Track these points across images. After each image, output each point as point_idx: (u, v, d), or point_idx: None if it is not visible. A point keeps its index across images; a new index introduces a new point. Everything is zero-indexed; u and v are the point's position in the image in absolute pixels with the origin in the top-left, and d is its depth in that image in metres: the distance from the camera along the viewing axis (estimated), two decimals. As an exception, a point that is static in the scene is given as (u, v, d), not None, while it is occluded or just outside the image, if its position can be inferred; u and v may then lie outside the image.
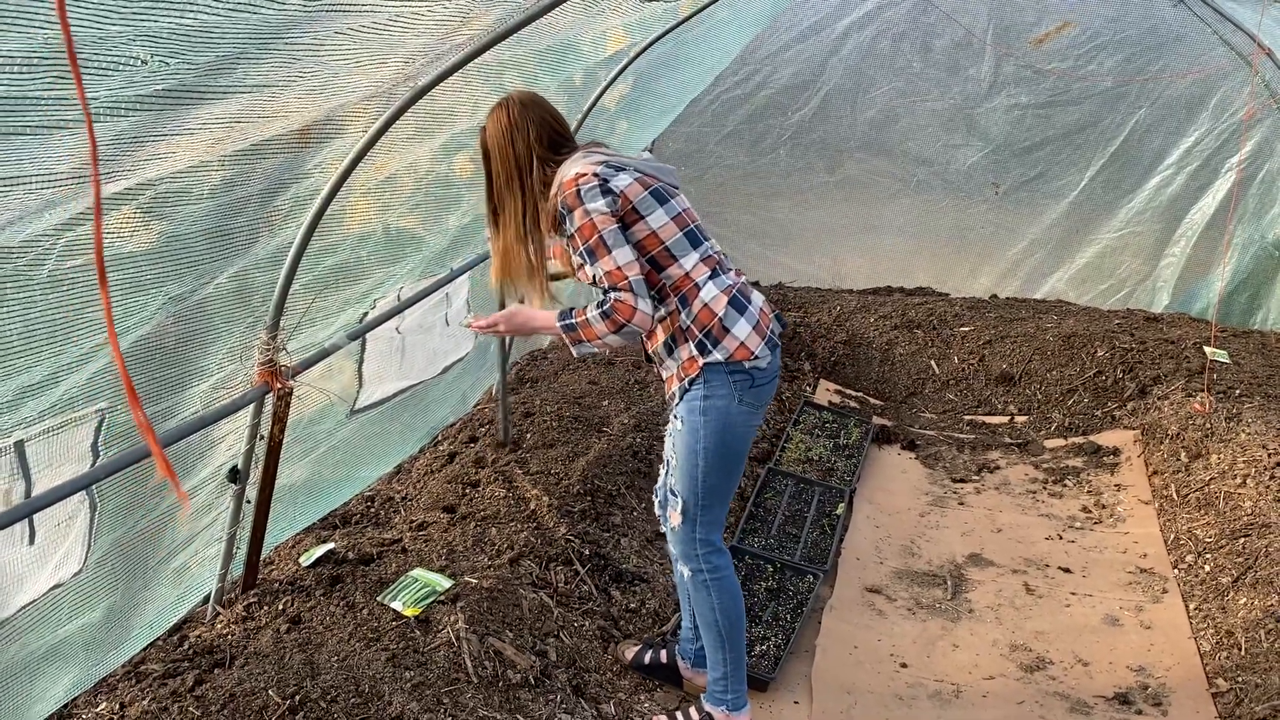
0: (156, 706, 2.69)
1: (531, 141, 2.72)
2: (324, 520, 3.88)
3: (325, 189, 2.70)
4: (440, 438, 4.75)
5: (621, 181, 2.66)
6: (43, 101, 1.38)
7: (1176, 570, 4.06)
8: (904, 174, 6.87)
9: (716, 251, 2.82)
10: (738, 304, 2.73)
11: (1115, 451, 5.07)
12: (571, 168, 2.68)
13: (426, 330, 4.03)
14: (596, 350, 2.77)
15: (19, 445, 2.26)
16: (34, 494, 2.30)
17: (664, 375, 2.85)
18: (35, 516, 2.37)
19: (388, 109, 2.63)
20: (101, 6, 1.25)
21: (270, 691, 2.70)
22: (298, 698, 2.68)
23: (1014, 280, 6.94)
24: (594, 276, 2.66)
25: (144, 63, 1.40)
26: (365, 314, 3.47)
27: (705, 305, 2.69)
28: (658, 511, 3.18)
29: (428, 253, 3.65)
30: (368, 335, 3.50)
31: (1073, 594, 4.00)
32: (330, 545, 3.53)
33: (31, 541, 2.42)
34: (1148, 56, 6.22)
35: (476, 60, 2.69)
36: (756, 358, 2.72)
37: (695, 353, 2.70)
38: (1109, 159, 6.47)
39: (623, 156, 2.77)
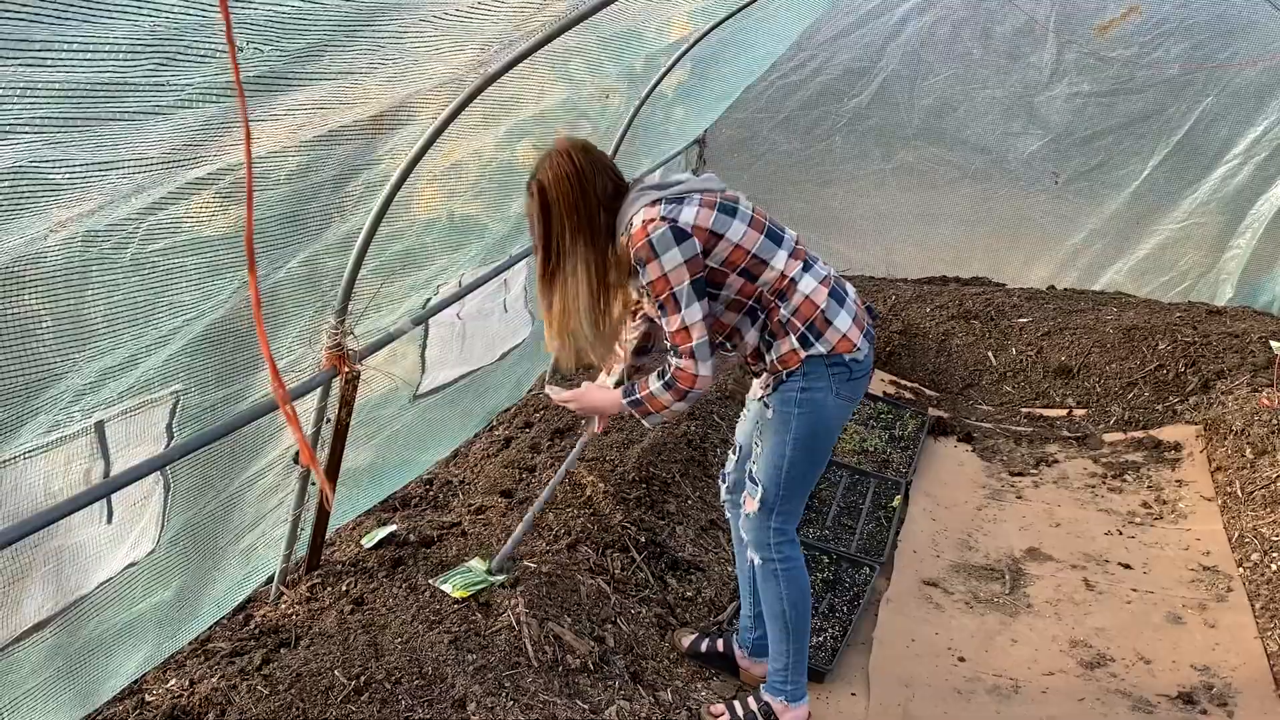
0: (226, 684, 2.73)
1: (599, 192, 2.60)
2: (384, 503, 3.92)
3: (395, 175, 2.71)
4: (495, 423, 4.77)
5: (688, 215, 2.56)
6: (141, 87, 1.40)
7: (1241, 569, 3.99)
8: (961, 162, 6.78)
9: (799, 242, 2.76)
10: (837, 295, 2.70)
11: (1177, 447, 4.99)
12: (635, 213, 2.58)
13: (485, 316, 4.05)
14: (666, 419, 2.75)
15: (99, 426, 2.30)
16: (112, 473, 2.35)
17: (759, 369, 2.79)
18: (113, 496, 2.41)
19: (457, 96, 2.63)
20: (209, -7, 1.27)
21: (336, 672, 2.74)
22: (363, 679, 2.72)
23: (1072, 271, 6.83)
24: (665, 335, 2.63)
25: (240, 50, 1.41)
26: (428, 300, 3.49)
27: (806, 298, 2.64)
28: (724, 498, 3.18)
29: (489, 239, 3.67)
30: (430, 321, 3.52)
31: (1134, 590, 3.95)
32: (392, 528, 3.57)
33: (109, 520, 2.47)
34: (1216, 44, 6.07)
35: (544, 47, 2.68)
36: (857, 349, 2.69)
37: (797, 345, 2.66)
38: (1173, 148, 6.34)
39: (671, 184, 2.65)
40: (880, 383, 5.78)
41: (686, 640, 3.38)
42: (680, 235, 2.53)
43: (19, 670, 2.33)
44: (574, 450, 3.75)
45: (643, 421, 2.76)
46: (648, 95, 4.33)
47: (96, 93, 1.35)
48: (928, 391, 5.84)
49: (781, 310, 2.66)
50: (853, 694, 3.35)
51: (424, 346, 3.62)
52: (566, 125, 3.61)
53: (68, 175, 1.51)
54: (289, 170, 2.27)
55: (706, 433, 4.53)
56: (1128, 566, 4.11)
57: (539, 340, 4.68)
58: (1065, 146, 6.55)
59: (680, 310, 2.56)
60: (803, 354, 2.66)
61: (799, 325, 2.65)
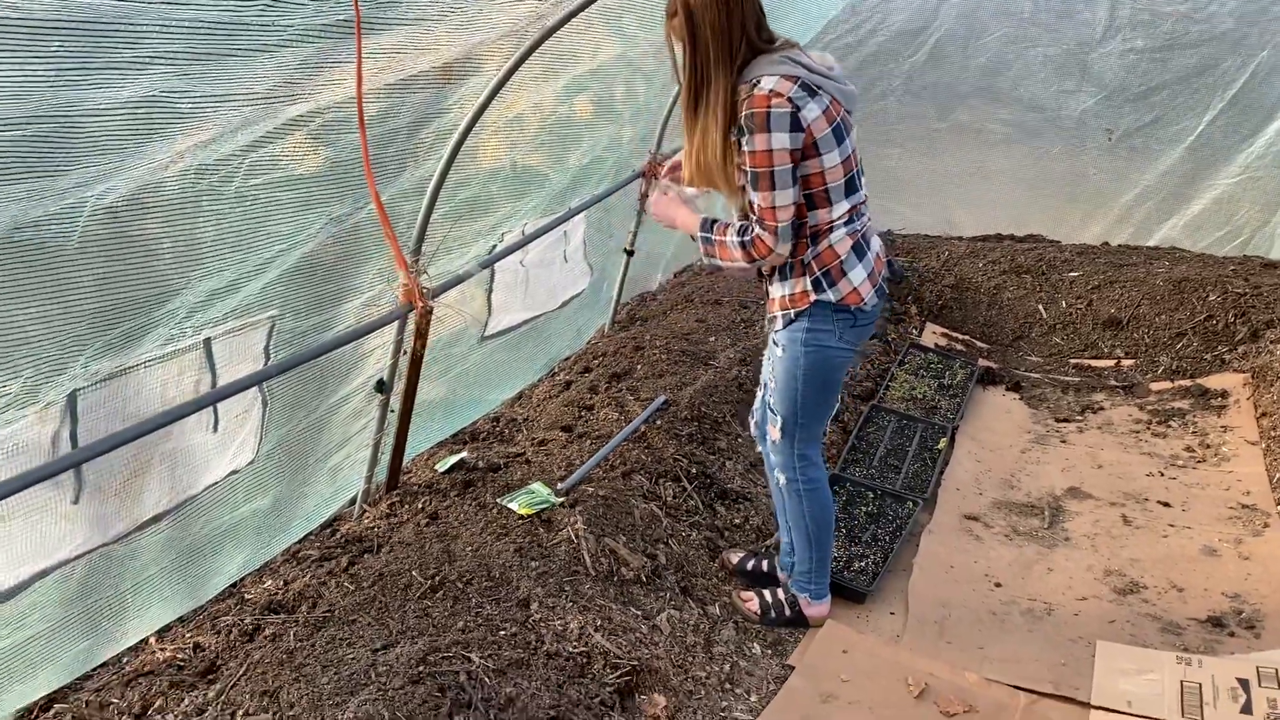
0: (316, 582, 3.05)
1: (746, 16, 2.54)
2: (454, 436, 4.23)
3: (463, 123, 2.97)
4: (556, 369, 5.05)
5: (811, 113, 2.57)
6: (252, 27, 1.67)
7: (1280, 507, 4.10)
8: (1016, 121, 6.86)
9: (864, 198, 2.84)
10: (859, 249, 2.81)
11: (1223, 394, 5.07)
12: (767, 77, 2.56)
13: (547, 265, 4.31)
14: (725, 266, 2.85)
15: (207, 343, 2.61)
16: (218, 386, 2.67)
17: (771, 295, 2.95)
18: (219, 407, 2.73)
19: (519, 49, 2.88)
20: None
21: (414, 573, 3.04)
22: (437, 578, 3.01)
23: (1126, 228, 6.87)
24: (748, 201, 2.71)
25: (334, -8, 1.67)
26: (494, 246, 3.76)
27: (830, 246, 2.76)
28: (753, 432, 3.39)
29: (550, 190, 3.92)
30: (496, 266, 3.79)
31: (1171, 526, 4.08)
32: (462, 455, 3.87)
33: (215, 429, 2.79)
34: (1272, -4, 6.08)
35: (599, 4, 2.91)
36: (864, 303, 2.83)
37: (809, 288, 2.79)
38: (1228, 103, 6.34)
39: (818, 72, 2.63)
40: (931, 335, 5.94)
41: (735, 557, 3.61)
42: (796, 125, 2.55)
43: (141, 557, 2.67)
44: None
45: (703, 257, 2.85)
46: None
47: (218, 30, 1.62)
48: (978, 343, 5.97)
49: (807, 251, 2.79)
50: (891, 613, 3.56)
51: (490, 290, 3.90)
52: (622, 81, 3.84)
53: (191, 105, 1.79)
54: (369, 115, 2.54)
55: (757, 376, 4.74)
56: (1166, 504, 4.24)
57: (598, 290, 4.94)
58: (1119, 103, 6.59)
59: (773, 190, 2.60)
60: (813, 297, 2.80)
61: (816, 269, 2.78)
